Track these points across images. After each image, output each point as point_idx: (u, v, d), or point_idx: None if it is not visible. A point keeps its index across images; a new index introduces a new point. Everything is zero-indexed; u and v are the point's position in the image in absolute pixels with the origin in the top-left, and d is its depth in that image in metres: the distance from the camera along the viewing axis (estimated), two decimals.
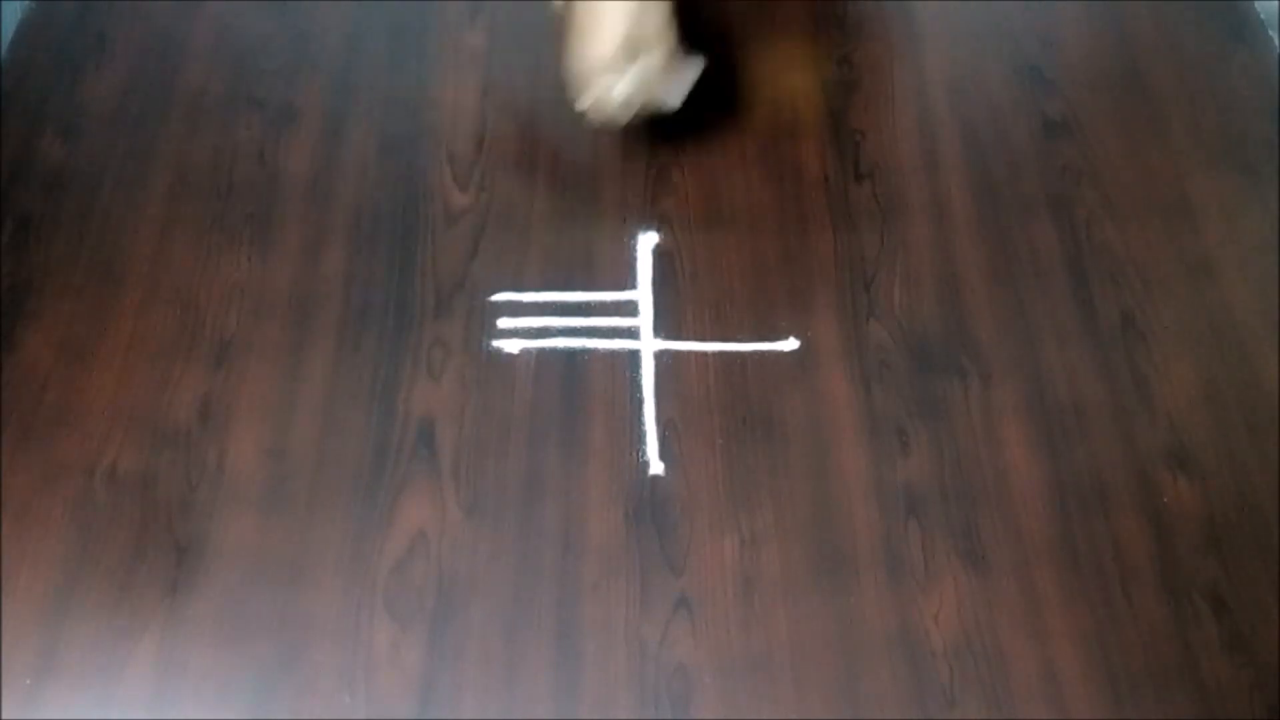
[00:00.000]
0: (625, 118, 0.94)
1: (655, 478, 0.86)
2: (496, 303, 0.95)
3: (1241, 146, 1.05)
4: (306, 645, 0.79)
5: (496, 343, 0.92)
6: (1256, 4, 1.15)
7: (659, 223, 0.99)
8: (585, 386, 0.90)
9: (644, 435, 0.88)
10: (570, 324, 0.94)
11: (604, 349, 0.92)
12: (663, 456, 0.87)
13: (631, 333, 0.93)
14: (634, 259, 0.97)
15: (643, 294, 0.95)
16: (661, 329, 0.93)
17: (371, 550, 0.83)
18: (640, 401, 0.90)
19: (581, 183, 1.02)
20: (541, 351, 0.92)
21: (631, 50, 0.91)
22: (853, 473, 0.86)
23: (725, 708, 0.77)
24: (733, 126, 1.04)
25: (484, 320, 0.94)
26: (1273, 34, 1.13)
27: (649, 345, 0.92)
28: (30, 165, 1.02)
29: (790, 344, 0.93)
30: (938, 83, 1.09)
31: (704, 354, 0.92)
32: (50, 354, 0.91)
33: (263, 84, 1.08)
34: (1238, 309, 0.94)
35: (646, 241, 0.98)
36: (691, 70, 0.96)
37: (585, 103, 0.93)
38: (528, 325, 0.93)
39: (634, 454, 0.87)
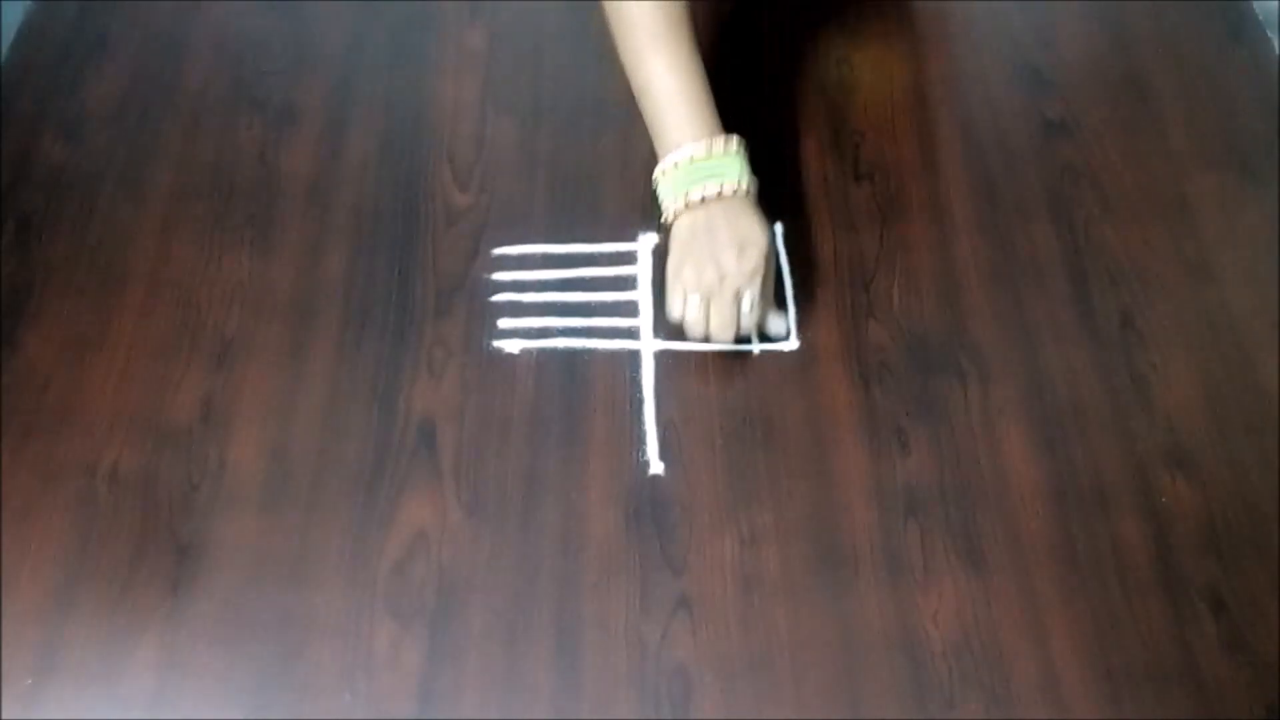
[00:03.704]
0: (693, 334, 0.90)
1: (655, 478, 0.86)
2: (497, 303, 0.95)
3: (1240, 146, 1.05)
4: (307, 645, 0.79)
5: (497, 343, 0.93)
6: (1256, 4, 1.15)
7: (659, 223, 0.99)
8: (585, 387, 0.90)
9: (644, 435, 0.88)
10: (570, 324, 0.94)
11: (604, 349, 0.92)
12: (663, 456, 0.87)
13: (631, 333, 0.93)
14: (634, 259, 0.97)
15: (643, 294, 0.95)
16: (661, 329, 0.93)
17: (372, 550, 0.83)
18: (640, 401, 0.90)
19: (581, 183, 1.02)
20: (542, 351, 0.92)
21: (712, 280, 0.87)
22: (852, 473, 0.86)
23: (725, 707, 0.77)
24: (732, 127, 1.04)
25: (484, 320, 0.94)
26: (1272, 34, 1.13)
27: (649, 345, 0.93)
28: (31, 166, 1.02)
29: (790, 344, 0.93)
30: (938, 83, 1.09)
31: (704, 354, 0.92)
32: (51, 354, 0.91)
33: (263, 84, 1.08)
34: (1237, 309, 0.94)
35: (646, 242, 0.98)
36: (777, 326, 0.91)
37: (670, 313, 0.90)
38: (528, 325, 0.94)
39: (634, 454, 0.87)
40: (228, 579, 0.81)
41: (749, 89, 1.08)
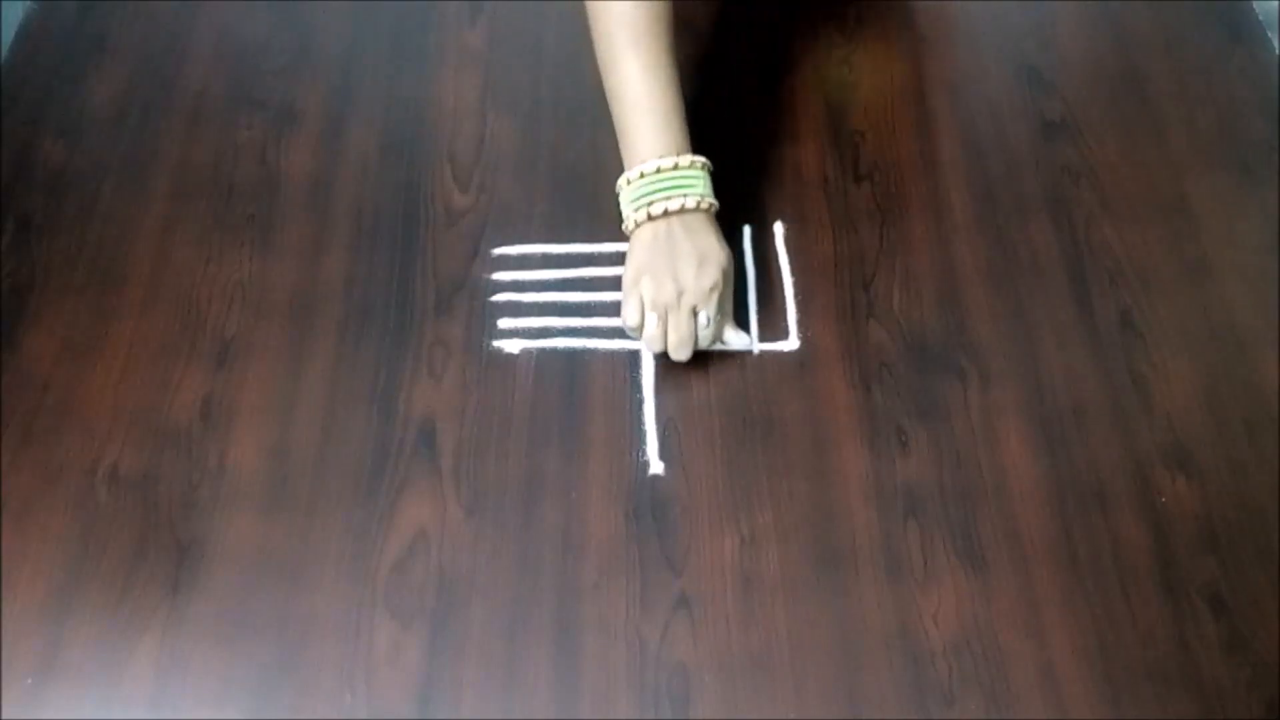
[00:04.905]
0: (651, 348, 0.90)
1: (655, 477, 0.86)
2: (497, 303, 0.95)
3: (1240, 147, 1.05)
4: (307, 645, 0.79)
5: (497, 343, 0.93)
6: (1256, 4, 1.15)
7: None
8: (585, 386, 0.90)
9: (644, 435, 0.88)
10: (571, 324, 0.94)
11: (604, 349, 0.92)
12: (663, 456, 0.87)
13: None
14: None
15: None
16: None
17: (372, 550, 0.83)
18: (640, 401, 0.90)
19: (581, 183, 1.02)
20: (542, 351, 0.92)
21: (670, 296, 0.88)
22: (852, 473, 0.86)
23: (725, 707, 0.77)
24: (733, 127, 1.04)
25: (484, 320, 0.94)
26: (1272, 35, 1.13)
27: None
28: (31, 166, 1.02)
29: (790, 344, 0.93)
30: (937, 83, 1.09)
31: (704, 354, 0.92)
32: (51, 354, 0.91)
33: (263, 85, 1.08)
34: (1236, 309, 0.95)
35: None
36: (737, 341, 0.91)
37: (625, 322, 0.89)
38: (528, 325, 0.94)
39: (634, 454, 0.87)
40: (228, 579, 0.82)
41: (749, 88, 1.08)
